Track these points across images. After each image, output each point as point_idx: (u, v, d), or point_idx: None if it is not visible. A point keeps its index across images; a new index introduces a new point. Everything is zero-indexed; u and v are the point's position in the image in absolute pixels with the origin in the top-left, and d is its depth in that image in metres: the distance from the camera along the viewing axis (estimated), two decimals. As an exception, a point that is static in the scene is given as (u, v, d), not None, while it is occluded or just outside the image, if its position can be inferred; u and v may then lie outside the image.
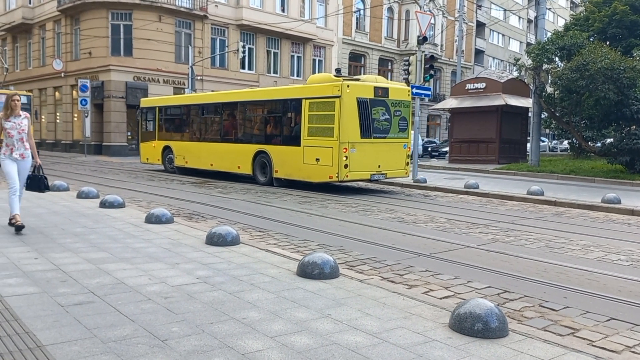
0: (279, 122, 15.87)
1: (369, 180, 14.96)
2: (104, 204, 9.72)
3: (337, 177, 13.82)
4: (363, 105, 13.87)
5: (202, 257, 6.13)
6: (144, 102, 22.14)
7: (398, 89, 15.03)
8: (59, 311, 4.19)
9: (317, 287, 5.05)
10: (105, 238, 7.08)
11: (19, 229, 7.13)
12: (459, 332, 3.94)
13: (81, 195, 10.98)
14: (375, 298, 4.76)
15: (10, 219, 7.32)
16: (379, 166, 14.48)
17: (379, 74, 43.56)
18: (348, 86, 13.68)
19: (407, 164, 15.30)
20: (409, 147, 15.40)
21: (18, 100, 7.20)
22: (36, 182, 7.60)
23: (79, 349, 3.46)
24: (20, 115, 7.29)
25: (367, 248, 7.43)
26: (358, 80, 14.61)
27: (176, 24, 31.76)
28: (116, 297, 4.59)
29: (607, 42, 28.30)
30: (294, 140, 14.94)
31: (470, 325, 3.89)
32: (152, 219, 8.23)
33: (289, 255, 6.36)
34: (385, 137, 14.48)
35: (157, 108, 20.96)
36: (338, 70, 18.12)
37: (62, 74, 33.68)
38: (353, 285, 5.16)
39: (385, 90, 14.46)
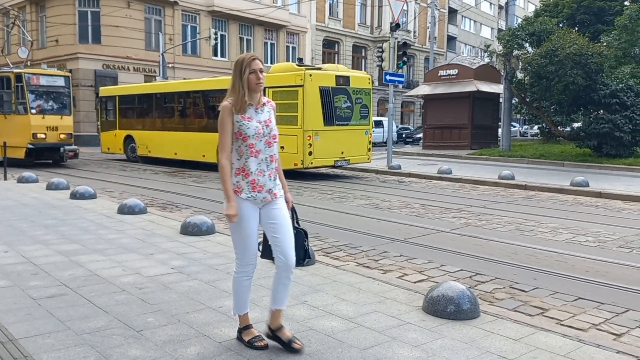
0: None
1: (333, 167, 15.37)
2: (74, 195, 9.56)
3: (301, 164, 14.18)
4: (325, 94, 14.27)
5: (176, 247, 6.09)
6: (103, 91, 22.03)
7: (359, 77, 15.53)
8: (31, 304, 4.13)
9: (294, 274, 5.06)
10: (77, 230, 6.98)
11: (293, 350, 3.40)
12: (432, 315, 4.02)
13: (51, 187, 10.78)
14: (350, 284, 4.82)
15: (251, 338, 3.51)
16: (342, 152, 14.92)
17: (352, 61, 43.63)
18: (310, 75, 14.05)
19: (369, 149, 15.87)
20: (371, 134, 15.97)
21: (262, 72, 3.41)
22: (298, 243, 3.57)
23: (52, 342, 3.43)
24: (265, 106, 3.46)
25: (343, 235, 7.48)
26: (320, 69, 15.09)
27: (146, 10, 31.15)
28: (89, 288, 4.54)
29: (576, 28, 28.77)
30: None
31: (443, 308, 3.97)
32: (124, 210, 8.14)
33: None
34: (347, 125, 14.95)
35: (117, 97, 20.94)
36: (300, 60, 18.70)
37: (28, 63, 32.76)
38: (329, 271, 5.21)
39: (347, 79, 14.89)
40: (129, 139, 20.27)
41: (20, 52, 32.48)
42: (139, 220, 7.63)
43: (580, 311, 4.58)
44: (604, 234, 7.83)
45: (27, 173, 12.34)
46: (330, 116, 14.39)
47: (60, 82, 17.54)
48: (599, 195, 11.86)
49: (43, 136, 16.68)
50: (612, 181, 13.99)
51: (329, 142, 14.33)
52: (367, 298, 4.43)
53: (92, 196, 9.62)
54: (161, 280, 4.81)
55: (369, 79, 15.83)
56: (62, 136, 17.16)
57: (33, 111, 16.64)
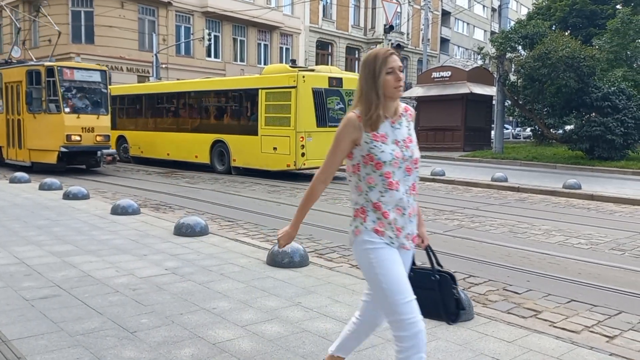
0: (237, 111, 16.28)
1: None
2: (67, 196, 9.51)
3: (294, 165, 14.27)
4: (318, 95, 14.39)
5: (170, 248, 6.08)
6: None
7: (351, 78, 15.62)
8: (24, 305, 4.11)
9: (287, 275, 5.08)
10: (70, 230, 6.94)
11: None
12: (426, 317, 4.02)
13: (44, 187, 10.71)
14: (344, 285, 4.82)
15: None
16: None
17: (346, 63, 43.65)
18: (304, 77, 14.15)
19: None
20: None
21: (402, 71, 2.49)
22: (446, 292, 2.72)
23: (46, 343, 3.41)
24: (402, 118, 2.58)
25: (336, 236, 7.49)
26: (313, 70, 15.23)
27: (139, 10, 31.04)
28: (83, 290, 4.52)
29: (568, 31, 28.97)
30: (251, 129, 15.32)
31: (437, 310, 4.00)
32: (118, 210, 8.11)
33: (259, 245, 6.37)
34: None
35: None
36: (293, 61, 18.85)
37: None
38: (322, 273, 5.21)
39: (339, 80, 15.01)
40: (121, 139, 20.19)
41: (13, 52, 32.28)
42: (132, 221, 7.60)
43: (573, 313, 4.61)
44: (596, 236, 7.87)
45: (19, 173, 12.26)
46: (323, 117, 14.50)
47: (97, 77, 15.47)
48: (591, 197, 11.93)
49: (78, 138, 14.68)
50: (604, 184, 14.08)
51: (322, 144, 14.30)
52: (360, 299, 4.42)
53: (85, 197, 9.57)
54: (155, 282, 4.80)
55: None
56: (98, 138, 15.11)
57: (67, 110, 14.60)
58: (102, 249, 5.99)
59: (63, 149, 14.54)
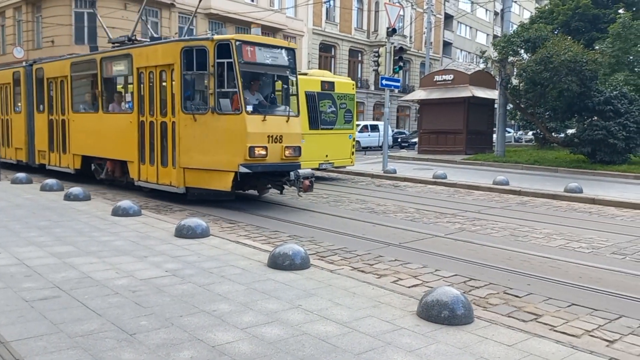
0: None
1: (317, 169, 15.53)
2: (68, 197, 9.52)
3: None
4: (311, 99, 14.58)
5: (171, 250, 6.07)
6: None
7: (343, 83, 16.00)
8: (24, 306, 4.10)
9: (288, 278, 5.07)
10: (70, 231, 6.94)
11: None
12: (426, 320, 4.02)
13: (45, 188, 10.72)
14: (345, 288, 4.81)
15: None
16: (327, 156, 15.29)
17: (348, 65, 43.70)
18: None
19: (352, 153, 16.30)
20: (354, 138, 16.45)
21: None
22: None
23: (45, 344, 3.41)
24: None
25: (338, 238, 7.48)
26: (306, 74, 15.35)
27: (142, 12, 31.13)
28: (83, 291, 4.52)
29: (571, 35, 28.92)
30: None
31: (437, 313, 3.97)
32: (118, 212, 8.11)
33: (260, 247, 6.36)
34: (332, 129, 15.36)
35: None
36: None
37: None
38: (323, 275, 5.20)
39: (332, 84, 15.30)
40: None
41: (15, 52, 32.45)
42: (133, 223, 7.61)
43: (574, 317, 4.60)
44: (598, 240, 7.85)
45: (21, 174, 12.27)
46: (316, 120, 14.72)
47: (283, 58, 10.29)
48: (593, 201, 11.90)
49: (263, 153, 9.44)
50: (605, 188, 14.05)
51: (314, 146, 14.45)
52: (361, 303, 4.42)
53: (87, 198, 9.58)
54: (155, 283, 4.79)
55: (353, 85, 16.25)
56: (287, 152, 9.84)
57: (249, 109, 9.40)
58: (102, 250, 5.99)
59: (243, 169, 9.31)
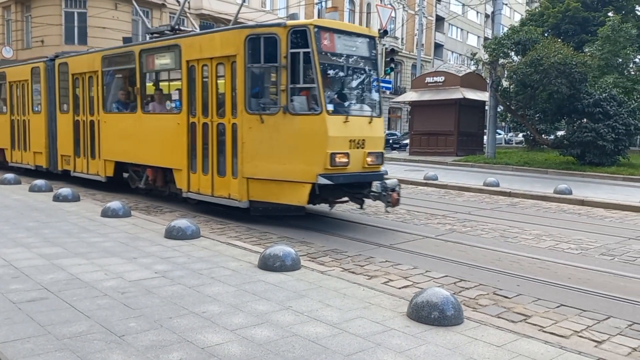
0: None
1: None
2: (57, 198, 9.45)
3: None
4: None
5: (160, 251, 6.04)
6: None
7: None
8: (11, 308, 4.06)
9: (279, 279, 5.06)
10: (59, 232, 6.89)
11: None
12: (416, 321, 4.02)
13: (34, 189, 10.63)
14: (336, 289, 4.81)
15: None
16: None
17: (340, 66, 43.69)
18: None
19: None
20: None
21: None
22: None
23: (32, 347, 3.38)
24: None
25: (329, 240, 7.48)
26: None
27: (133, 12, 30.96)
28: (71, 292, 4.48)
29: (561, 38, 29.15)
30: None
31: (427, 314, 3.98)
32: (108, 213, 8.06)
33: (250, 248, 6.35)
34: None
35: None
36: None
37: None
38: (314, 276, 5.20)
39: None
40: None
41: (4, 52, 32.19)
42: (122, 224, 7.56)
43: (563, 318, 4.62)
44: (586, 241, 7.91)
45: (9, 175, 12.16)
46: None
47: (364, 49, 8.75)
48: (582, 203, 11.99)
49: (345, 160, 7.93)
50: (594, 189, 14.16)
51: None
52: (352, 304, 4.42)
53: (76, 199, 9.51)
54: (144, 285, 4.77)
55: None
56: (369, 160, 8.30)
57: (330, 108, 7.92)
58: (91, 251, 5.95)
59: (323, 180, 7.72)
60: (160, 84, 10.99)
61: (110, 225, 7.42)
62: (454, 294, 4.57)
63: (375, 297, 4.62)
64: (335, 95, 8.45)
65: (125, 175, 11.71)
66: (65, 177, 13.17)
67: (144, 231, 7.12)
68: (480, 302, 4.99)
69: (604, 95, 19.58)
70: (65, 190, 9.68)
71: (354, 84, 9.08)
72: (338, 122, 7.91)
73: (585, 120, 19.88)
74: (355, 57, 8.67)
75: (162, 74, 10.86)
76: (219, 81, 8.80)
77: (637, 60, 27.78)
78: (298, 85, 7.90)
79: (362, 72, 8.93)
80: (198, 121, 9.03)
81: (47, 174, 13.78)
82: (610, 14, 30.38)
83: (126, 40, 12.50)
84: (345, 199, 8.78)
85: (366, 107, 8.81)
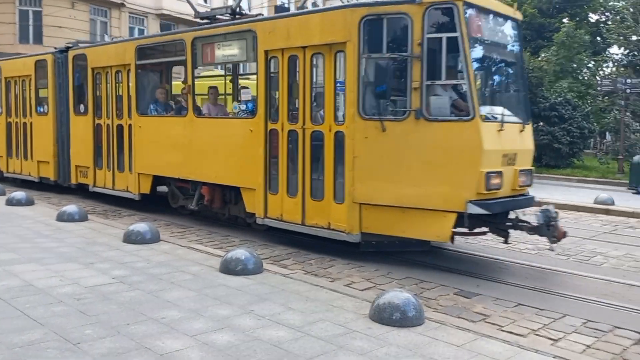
0: None
1: None
2: (10, 202, 9.12)
3: None
4: None
5: (118, 256, 5.90)
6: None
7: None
8: (-42, 318, 3.89)
9: (240, 283, 5.01)
10: (13, 238, 6.64)
11: None
12: (378, 322, 4.04)
13: (-15, 193, 10.23)
14: (298, 292, 4.79)
15: None
16: None
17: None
18: None
19: None
20: None
21: None
22: None
23: (-20, 358, 3.24)
24: None
25: (292, 242, 7.44)
26: None
27: (91, 11, 30.24)
28: (24, 300, 4.32)
29: (518, 43, 29.95)
30: None
31: (389, 315, 4.01)
32: (64, 217, 7.82)
33: (212, 252, 6.26)
34: None
35: None
36: None
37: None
38: (276, 280, 5.16)
39: None
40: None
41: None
42: (79, 228, 7.35)
43: (521, 317, 4.73)
44: (543, 241, 8.10)
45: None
46: None
47: (512, 34, 7.10)
48: (539, 204, 12.28)
49: (498, 182, 6.10)
50: (550, 191, 14.56)
51: None
52: (314, 307, 4.41)
53: (30, 202, 9.20)
54: (101, 291, 4.64)
55: None
56: (521, 180, 6.59)
57: (483, 112, 6.16)
58: (46, 257, 5.75)
59: (475, 209, 5.91)
60: (213, 81, 9.59)
61: (66, 230, 7.20)
62: (416, 294, 4.62)
63: (338, 299, 4.62)
64: (487, 95, 6.88)
65: (159, 188, 9.74)
66: (81, 191, 11.08)
67: (102, 236, 6.94)
68: (441, 303, 5.05)
69: (559, 99, 20.21)
70: (19, 193, 9.35)
71: (504, 80, 7.45)
72: (492, 132, 6.06)
73: (541, 123, 20.46)
74: (504, 45, 6.97)
75: (220, 67, 9.37)
76: (314, 76, 7.00)
77: (590, 65, 28.78)
78: (438, 82, 6.02)
79: (512, 65, 7.23)
80: (281, 128, 7.08)
81: (56, 187, 11.70)
82: (565, 20, 31.40)
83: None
84: (485, 229, 6.66)
85: (517, 111, 6.94)
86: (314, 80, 6.98)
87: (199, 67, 8.94)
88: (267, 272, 5.41)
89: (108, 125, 10.02)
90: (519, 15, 7.06)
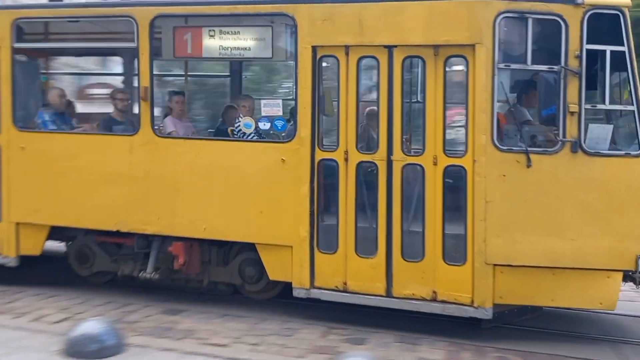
0: None
1: None
2: None
3: None
4: None
5: None
6: None
7: None
8: None
9: None
10: None
11: None
12: (74, 357, 3.72)
13: None
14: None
15: None
16: None
17: None
18: None
19: None
20: None
21: None
22: None
23: None
24: None
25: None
26: None
27: None
28: None
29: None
30: None
31: (83, 348, 3.74)
32: None
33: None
34: None
35: None
36: None
37: None
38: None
39: None
40: None
41: None
42: None
43: (225, 328, 4.87)
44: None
45: None
46: None
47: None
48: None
49: None
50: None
51: None
52: (-7, 354, 3.75)
53: None
54: None
55: None
56: None
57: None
58: None
59: None
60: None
61: None
62: (117, 320, 4.36)
63: (24, 338, 4.04)
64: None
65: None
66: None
67: None
68: (146, 325, 4.87)
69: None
70: None
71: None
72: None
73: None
74: None
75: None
76: (410, 89, 5.54)
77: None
78: (601, 107, 4.87)
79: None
80: (344, 158, 5.10)
81: None
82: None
83: None
84: None
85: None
86: (405, 93, 5.25)
87: (163, 61, 6.37)
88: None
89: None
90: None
